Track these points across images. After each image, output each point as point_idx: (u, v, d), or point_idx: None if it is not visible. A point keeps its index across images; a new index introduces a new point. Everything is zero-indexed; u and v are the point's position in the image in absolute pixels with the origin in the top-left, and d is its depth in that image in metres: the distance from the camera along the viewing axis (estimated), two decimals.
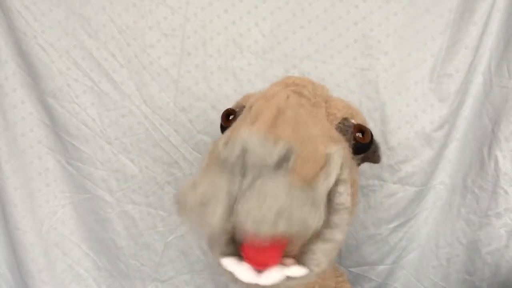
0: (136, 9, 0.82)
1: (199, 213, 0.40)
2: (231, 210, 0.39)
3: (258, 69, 0.84)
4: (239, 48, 0.83)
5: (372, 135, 0.57)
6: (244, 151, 0.39)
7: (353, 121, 0.57)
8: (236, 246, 0.48)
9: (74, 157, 0.86)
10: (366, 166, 0.85)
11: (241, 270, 0.45)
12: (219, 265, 0.47)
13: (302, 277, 0.46)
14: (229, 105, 0.82)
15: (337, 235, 0.47)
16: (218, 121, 0.84)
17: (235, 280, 0.45)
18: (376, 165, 0.85)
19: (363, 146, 0.57)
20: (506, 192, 0.84)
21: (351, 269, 0.92)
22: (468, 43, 0.82)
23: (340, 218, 0.48)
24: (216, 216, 0.39)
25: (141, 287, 0.94)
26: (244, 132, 0.40)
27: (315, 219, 0.41)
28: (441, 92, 0.84)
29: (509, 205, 0.84)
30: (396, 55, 0.83)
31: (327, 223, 0.46)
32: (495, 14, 0.80)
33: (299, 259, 0.47)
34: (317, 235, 0.46)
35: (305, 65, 0.83)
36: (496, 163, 0.83)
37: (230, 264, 0.46)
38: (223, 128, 0.59)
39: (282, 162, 0.41)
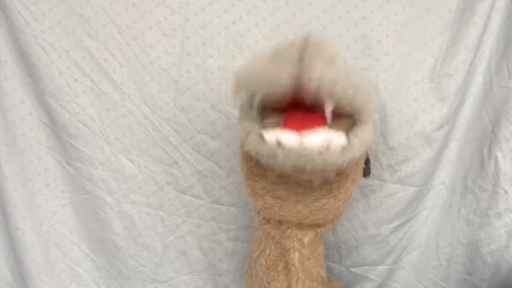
0: (136, 9, 0.82)
1: (269, 68, 0.45)
2: (300, 68, 0.43)
3: None
4: (239, 48, 0.83)
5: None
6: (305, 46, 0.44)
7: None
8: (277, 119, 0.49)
9: (73, 157, 0.86)
10: None
11: (286, 134, 0.46)
12: (260, 137, 0.48)
13: (338, 152, 0.46)
14: (229, 105, 0.83)
15: (366, 133, 0.49)
16: (218, 121, 0.85)
17: (276, 151, 0.46)
18: (376, 165, 0.85)
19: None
20: (506, 192, 0.84)
21: (351, 269, 0.92)
22: (468, 43, 0.82)
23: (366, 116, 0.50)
24: (286, 70, 0.44)
25: (141, 287, 0.94)
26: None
27: (364, 93, 0.46)
28: (441, 92, 0.84)
29: (509, 205, 0.84)
30: (396, 55, 0.82)
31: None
32: (495, 14, 0.80)
33: None
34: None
35: None
36: (496, 163, 0.83)
37: (273, 133, 0.47)
38: None
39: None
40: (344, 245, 0.91)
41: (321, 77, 0.43)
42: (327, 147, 0.45)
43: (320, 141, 0.45)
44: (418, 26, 0.82)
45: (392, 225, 0.89)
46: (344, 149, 0.47)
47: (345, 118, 0.48)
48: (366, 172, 0.67)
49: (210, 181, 0.88)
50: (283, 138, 0.46)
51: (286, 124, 0.47)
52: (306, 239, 0.65)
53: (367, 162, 0.66)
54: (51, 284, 0.89)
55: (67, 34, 0.81)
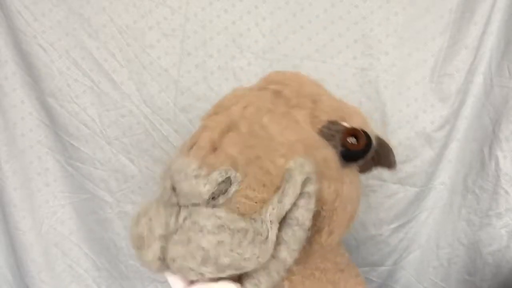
0: (136, 9, 0.82)
1: (137, 254, 0.43)
2: (164, 251, 0.41)
3: (258, 69, 0.84)
4: (239, 48, 0.83)
5: (370, 140, 0.52)
6: (175, 186, 0.40)
7: (345, 124, 0.52)
8: None
9: (73, 157, 0.86)
10: None
11: (174, 280, 0.46)
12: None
13: None
14: None
15: (283, 253, 0.42)
16: None
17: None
18: None
19: (355, 153, 0.51)
20: (506, 192, 0.84)
21: None
22: (468, 43, 0.81)
23: (290, 234, 0.42)
24: (150, 259, 0.41)
25: (141, 287, 0.93)
26: (177, 164, 0.41)
27: (252, 258, 0.39)
28: (442, 92, 0.83)
29: (509, 205, 0.84)
30: (396, 55, 0.82)
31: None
32: (495, 14, 0.80)
33: (239, 276, 0.43)
34: None
35: (305, 65, 0.83)
36: (497, 163, 0.83)
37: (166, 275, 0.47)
38: None
39: (218, 195, 0.41)
40: (344, 246, 0.90)
41: (183, 274, 0.42)
42: None
43: None
44: (418, 26, 0.82)
45: (393, 225, 0.89)
46: None
47: None
48: (391, 165, 0.59)
49: None
50: (170, 282, 0.47)
51: None
52: None
53: (387, 154, 0.58)
54: (51, 284, 0.89)
55: (67, 34, 0.81)
